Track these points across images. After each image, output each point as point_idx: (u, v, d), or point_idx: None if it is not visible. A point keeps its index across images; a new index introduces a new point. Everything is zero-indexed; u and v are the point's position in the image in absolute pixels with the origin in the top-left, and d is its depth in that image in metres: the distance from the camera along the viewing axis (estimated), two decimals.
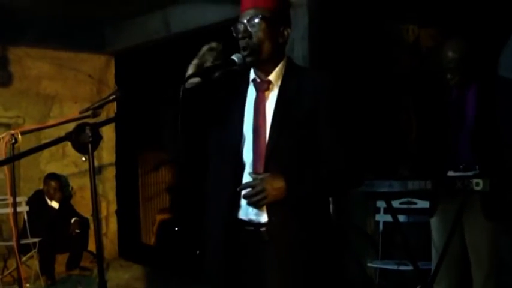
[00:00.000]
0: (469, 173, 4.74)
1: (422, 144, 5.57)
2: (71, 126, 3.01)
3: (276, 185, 2.99)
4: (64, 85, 10.38)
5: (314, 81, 3.16)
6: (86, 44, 10.52)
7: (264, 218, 3.10)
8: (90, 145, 2.77)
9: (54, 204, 9.68)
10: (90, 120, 3.09)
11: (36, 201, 9.56)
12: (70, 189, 10.32)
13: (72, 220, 9.53)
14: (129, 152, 11.27)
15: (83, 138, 2.78)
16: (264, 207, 3.08)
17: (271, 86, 3.21)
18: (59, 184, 9.74)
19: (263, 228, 3.10)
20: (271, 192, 2.98)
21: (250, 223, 3.15)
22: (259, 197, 2.98)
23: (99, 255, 2.87)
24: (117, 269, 9.76)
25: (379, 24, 8.67)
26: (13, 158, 3.02)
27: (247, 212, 3.15)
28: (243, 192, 3.05)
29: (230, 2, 7.50)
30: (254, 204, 3.05)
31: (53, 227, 9.35)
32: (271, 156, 3.09)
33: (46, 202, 9.65)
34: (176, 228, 10.06)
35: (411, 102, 8.95)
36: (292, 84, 3.17)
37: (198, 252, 8.71)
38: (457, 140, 4.98)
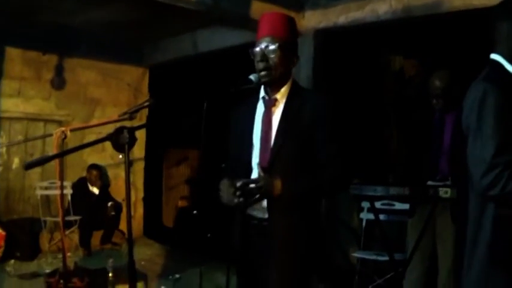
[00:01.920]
0: (440, 183, 4.76)
1: (407, 157, 5.57)
2: (110, 126, 2.98)
3: (274, 184, 2.98)
4: (107, 91, 10.40)
5: (313, 101, 3.16)
6: (127, 57, 10.59)
7: (265, 214, 3.13)
8: (127, 146, 2.74)
9: (95, 190, 9.72)
10: (127, 123, 3.06)
11: (80, 186, 9.60)
12: (107, 178, 10.32)
13: (109, 204, 9.54)
14: (156, 149, 11.25)
15: (122, 140, 2.75)
16: (265, 205, 3.11)
17: (277, 103, 3.22)
18: (100, 173, 9.77)
19: (265, 223, 3.13)
20: (268, 188, 2.97)
21: (255, 218, 3.19)
22: (259, 191, 2.98)
23: (129, 235, 2.84)
24: (142, 246, 9.74)
25: (371, 54, 8.66)
26: (65, 153, 2.99)
27: (253, 208, 3.17)
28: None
29: (248, 29, 7.49)
30: (253, 201, 3.04)
31: (92, 209, 9.38)
32: (274, 161, 3.10)
33: (88, 187, 9.68)
34: (194, 212, 10.02)
35: (394, 120, 8.92)
36: (295, 103, 3.18)
37: (209, 235, 8.67)
38: (437, 155, 4.99)
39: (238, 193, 2.98)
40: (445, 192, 4.63)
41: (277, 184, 2.98)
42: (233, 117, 3.45)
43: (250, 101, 3.36)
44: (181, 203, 11.75)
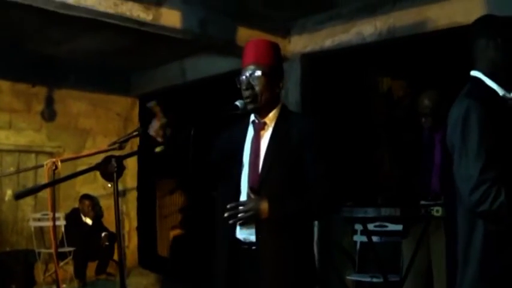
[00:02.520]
0: (431, 202, 4.79)
1: (399, 178, 5.60)
2: (101, 156, 2.99)
3: (261, 206, 2.99)
4: (97, 121, 10.40)
5: (301, 125, 3.19)
6: (116, 87, 10.61)
7: (253, 237, 3.11)
8: (115, 174, 2.74)
9: (88, 221, 9.69)
10: (117, 152, 3.06)
11: (73, 217, 9.56)
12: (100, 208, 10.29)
13: (103, 234, 9.50)
14: (149, 178, 11.23)
15: (110, 169, 2.75)
16: (254, 228, 3.10)
17: (266, 127, 3.25)
18: (92, 203, 9.74)
19: (254, 247, 3.11)
20: (256, 211, 2.99)
21: (244, 242, 3.17)
22: (246, 215, 3.00)
23: (121, 265, 2.84)
24: (137, 276, 9.71)
25: (359, 76, 8.70)
26: (55, 182, 3.01)
27: (241, 232, 3.18)
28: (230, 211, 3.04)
29: (235, 56, 7.53)
30: (241, 222, 3.07)
31: (86, 239, 9.34)
32: (262, 184, 3.11)
33: (81, 218, 9.65)
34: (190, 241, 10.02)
35: (384, 141, 8.94)
36: (283, 126, 3.20)
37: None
38: (428, 174, 5.01)
39: (227, 215, 3.01)
40: (436, 211, 4.66)
41: (264, 206, 2.99)
42: (222, 138, 3.47)
43: (241, 124, 3.38)
44: (175, 232, 11.71)
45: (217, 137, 3.48)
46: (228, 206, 3.01)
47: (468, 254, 2.89)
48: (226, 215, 3.01)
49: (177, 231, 11.56)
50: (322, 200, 3.09)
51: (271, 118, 3.24)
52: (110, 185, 2.80)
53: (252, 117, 3.31)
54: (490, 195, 2.70)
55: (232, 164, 3.27)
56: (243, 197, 3.16)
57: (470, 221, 2.87)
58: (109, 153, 2.96)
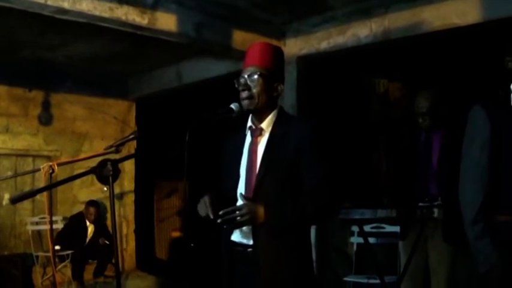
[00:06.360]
0: (428, 204, 4.75)
1: (395, 179, 5.57)
2: (98, 160, 2.99)
3: (256, 210, 2.97)
4: (94, 125, 10.41)
5: (298, 129, 3.14)
6: (113, 91, 10.61)
7: (250, 240, 3.11)
8: (110, 178, 2.75)
9: (92, 227, 9.71)
10: (114, 156, 3.06)
11: (77, 220, 9.60)
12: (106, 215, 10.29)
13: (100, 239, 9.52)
14: (146, 181, 11.23)
15: (105, 172, 2.76)
16: (251, 232, 3.09)
17: (263, 132, 3.22)
18: (97, 209, 9.72)
19: (249, 249, 3.11)
20: (251, 215, 2.96)
21: (239, 244, 3.17)
22: (242, 219, 2.96)
23: (117, 267, 2.86)
24: (135, 279, 9.72)
25: (355, 78, 8.70)
26: (51, 186, 3.00)
27: (237, 235, 3.17)
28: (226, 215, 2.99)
29: (231, 59, 7.55)
30: (236, 225, 3.04)
31: (87, 243, 9.46)
32: (258, 189, 3.10)
33: (85, 223, 9.66)
34: (191, 245, 10.00)
35: (382, 143, 8.94)
36: (280, 131, 3.17)
37: (192, 245, 8.62)
38: (425, 176, 4.96)
39: (220, 221, 2.97)
40: (432, 213, 4.63)
41: (260, 211, 2.97)
42: (223, 148, 3.46)
43: (241, 131, 3.36)
44: (174, 234, 11.71)
45: (219, 147, 3.48)
46: (222, 212, 2.96)
47: None
48: (219, 220, 2.96)
49: (177, 234, 11.57)
50: (320, 206, 3.04)
51: (268, 123, 3.22)
52: (105, 188, 2.81)
53: (249, 123, 3.29)
54: None
55: (231, 172, 3.27)
56: (240, 203, 3.10)
57: None
58: (105, 157, 2.96)
